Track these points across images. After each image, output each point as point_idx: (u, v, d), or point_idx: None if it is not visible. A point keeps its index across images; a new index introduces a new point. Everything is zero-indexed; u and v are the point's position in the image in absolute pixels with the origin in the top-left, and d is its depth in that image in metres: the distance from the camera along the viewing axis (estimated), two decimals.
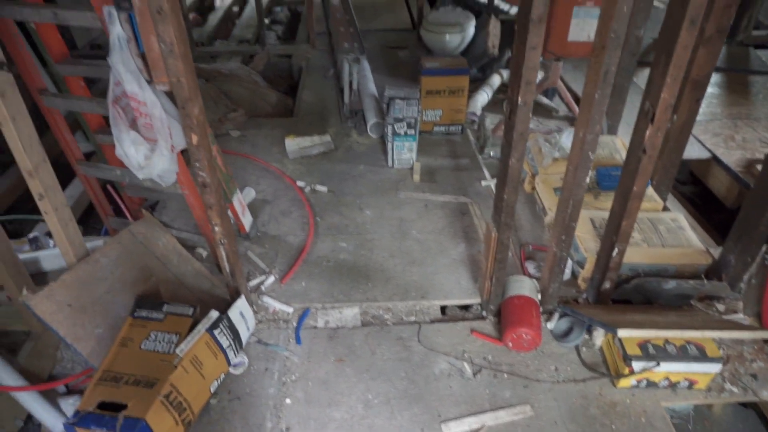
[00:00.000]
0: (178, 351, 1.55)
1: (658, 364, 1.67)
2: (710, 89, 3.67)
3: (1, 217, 2.74)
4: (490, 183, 2.74)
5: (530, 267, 2.23)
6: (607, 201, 2.23)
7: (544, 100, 3.56)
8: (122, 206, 2.45)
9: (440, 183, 2.77)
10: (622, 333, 1.69)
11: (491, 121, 3.15)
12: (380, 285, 2.13)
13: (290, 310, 2.02)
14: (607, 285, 1.99)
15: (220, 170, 2.05)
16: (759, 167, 2.80)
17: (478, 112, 3.31)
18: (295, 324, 1.97)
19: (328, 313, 2.03)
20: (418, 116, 2.75)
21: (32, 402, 1.67)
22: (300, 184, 2.74)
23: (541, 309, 1.96)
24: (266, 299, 2.05)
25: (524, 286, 1.94)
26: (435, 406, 1.69)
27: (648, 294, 2.01)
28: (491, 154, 2.99)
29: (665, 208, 2.38)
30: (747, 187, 2.73)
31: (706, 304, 2.06)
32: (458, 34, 3.72)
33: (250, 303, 1.96)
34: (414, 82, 3.72)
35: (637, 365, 1.68)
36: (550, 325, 1.96)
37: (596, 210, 2.23)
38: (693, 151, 3.02)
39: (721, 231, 2.63)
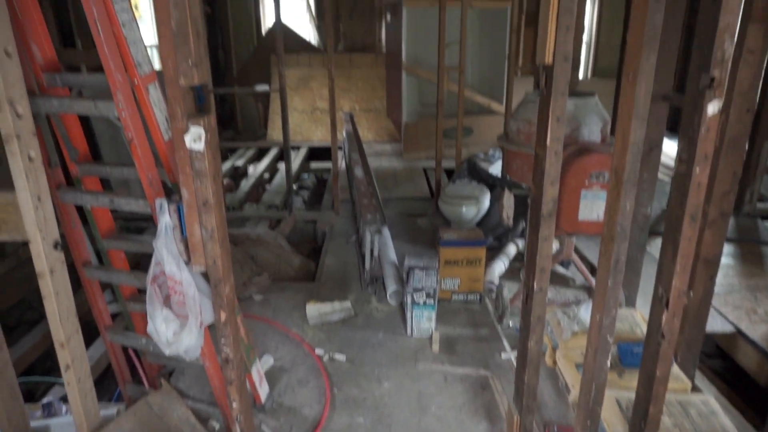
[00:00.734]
0: None
1: None
2: (725, 260, 3.74)
3: (19, 379, 2.74)
4: (510, 355, 2.70)
5: None
6: (632, 380, 2.17)
7: (561, 269, 3.65)
8: (141, 372, 2.45)
9: (460, 354, 2.74)
10: None
11: (509, 290, 3.20)
12: None
13: None
14: None
15: (243, 342, 2.08)
16: None
17: (496, 281, 3.38)
18: None
19: None
20: (437, 286, 2.83)
21: None
22: (319, 351, 2.74)
23: None
24: None
25: None
26: None
27: None
28: (510, 324, 3.00)
29: (694, 387, 2.30)
30: None
31: None
32: (474, 206, 3.96)
33: None
34: (433, 248, 3.88)
35: None
36: None
37: (622, 390, 2.16)
38: (716, 324, 2.98)
39: (757, 410, 2.49)
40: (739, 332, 2.91)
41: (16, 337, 3.11)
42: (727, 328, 2.97)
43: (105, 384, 2.97)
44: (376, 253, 3.65)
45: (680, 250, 1.54)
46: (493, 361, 2.68)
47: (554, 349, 2.56)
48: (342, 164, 6.12)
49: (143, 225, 4.74)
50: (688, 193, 1.48)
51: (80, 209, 2.27)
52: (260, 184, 6.24)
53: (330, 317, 3.06)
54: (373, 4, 8.16)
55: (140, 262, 3.71)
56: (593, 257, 3.73)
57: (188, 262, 1.56)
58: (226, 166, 6.48)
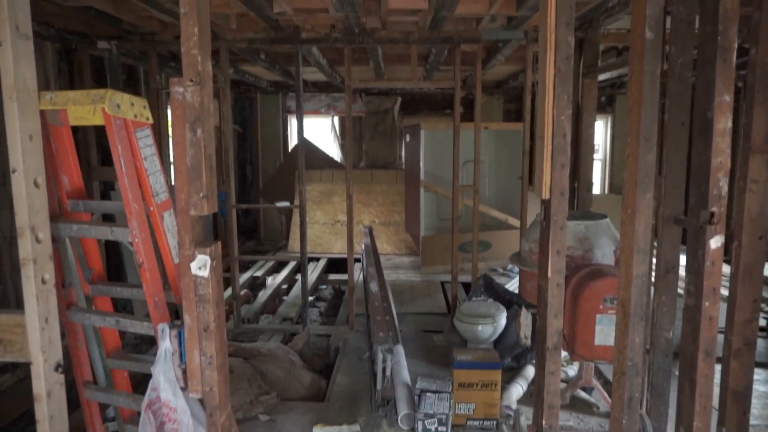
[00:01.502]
0: None
1: None
2: (762, 387, 3.50)
3: None
4: None
5: None
6: None
7: (583, 394, 3.45)
8: None
9: None
10: None
11: (527, 417, 3.02)
12: None
13: None
14: None
15: None
16: None
17: (513, 406, 3.20)
18: None
19: None
20: (450, 412, 2.69)
21: None
22: None
23: None
24: None
25: None
26: None
27: None
28: None
29: None
30: None
31: None
32: (490, 325, 3.86)
33: None
34: (447, 368, 3.74)
35: None
36: None
37: None
38: None
39: None
40: None
41: None
42: None
43: None
44: (388, 372, 3.53)
45: (698, 389, 1.46)
46: None
47: None
48: (359, 277, 6.14)
49: None
50: (699, 328, 1.43)
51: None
52: (277, 295, 6.25)
53: None
54: (394, 125, 8.65)
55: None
56: None
57: (185, 388, 1.53)
58: (245, 276, 6.55)
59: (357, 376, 3.83)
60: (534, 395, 1.54)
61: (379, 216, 7.74)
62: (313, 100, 8.68)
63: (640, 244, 1.36)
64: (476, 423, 3.08)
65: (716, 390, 1.97)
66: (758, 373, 3.51)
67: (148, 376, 1.88)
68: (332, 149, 8.95)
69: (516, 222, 6.75)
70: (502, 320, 4.00)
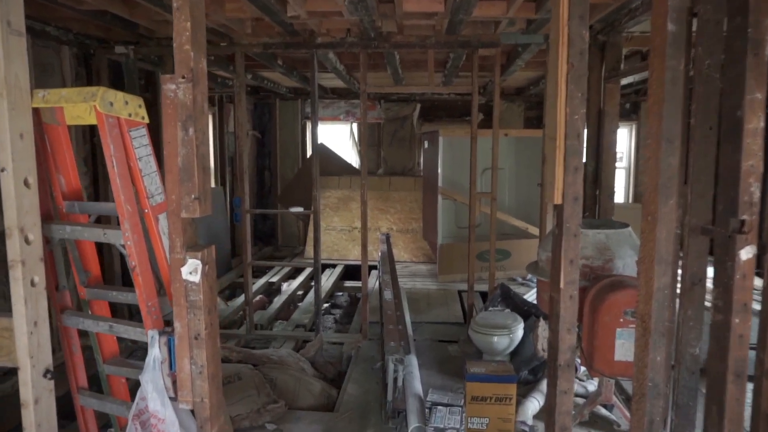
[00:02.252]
0: None
1: None
2: None
3: None
4: None
5: None
6: None
7: (603, 411, 3.30)
8: None
9: None
10: None
11: None
12: None
13: None
14: None
15: None
16: None
17: (530, 422, 3.07)
18: None
19: None
20: (462, 426, 2.58)
21: None
22: None
23: None
24: None
25: None
26: None
27: None
28: None
29: None
30: None
31: None
32: (506, 336, 3.73)
33: None
34: (462, 380, 3.62)
35: None
36: None
37: None
38: None
39: None
40: None
41: None
42: None
43: None
44: (399, 383, 3.43)
45: (727, 413, 1.34)
46: None
47: None
48: (375, 285, 6.04)
49: None
50: (728, 347, 1.31)
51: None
52: (292, 301, 6.20)
53: None
54: (413, 132, 8.57)
55: None
56: None
57: (175, 399, 1.46)
58: (261, 282, 6.53)
59: (368, 386, 3.73)
60: (545, 415, 1.43)
61: (397, 223, 7.65)
62: (332, 106, 8.66)
63: (662, 253, 1.24)
64: None
65: (747, 410, 1.83)
66: None
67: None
68: (351, 156, 8.91)
69: (536, 231, 6.60)
70: (519, 331, 3.87)
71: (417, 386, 3.43)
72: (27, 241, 1.43)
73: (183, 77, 1.32)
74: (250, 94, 8.22)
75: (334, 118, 8.72)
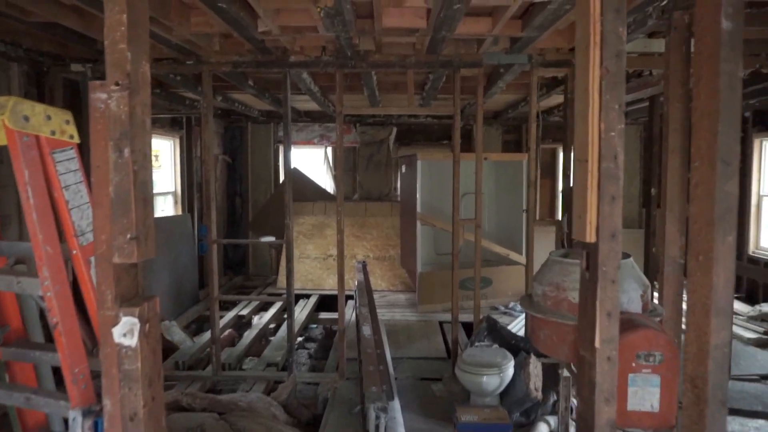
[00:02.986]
0: None
1: None
2: None
3: None
4: None
5: None
6: None
7: None
8: None
9: None
10: None
11: None
12: None
13: None
14: None
15: None
16: None
17: None
18: None
19: None
20: None
21: None
22: None
23: None
24: None
25: None
26: None
27: None
28: None
29: None
30: None
31: None
32: (496, 375, 3.46)
33: None
34: (448, 424, 3.32)
35: None
36: None
37: None
38: None
39: None
40: None
41: None
42: None
43: None
44: None
45: None
46: None
47: None
48: (352, 316, 5.71)
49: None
50: None
51: None
52: (264, 335, 5.81)
53: None
54: (389, 156, 8.37)
55: None
56: None
57: None
58: (231, 314, 6.13)
59: None
60: None
61: (374, 250, 7.37)
62: (306, 130, 8.40)
63: (720, 303, 1.00)
64: None
65: None
66: None
67: None
68: (325, 181, 8.64)
69: (518, 257, 6.40)
70: (510, 370, 3.59)
71: None
72: None
73: (117, 84, 1.03)
74: (221, 117, 7.91)
75: (308, 142, 8.46)
